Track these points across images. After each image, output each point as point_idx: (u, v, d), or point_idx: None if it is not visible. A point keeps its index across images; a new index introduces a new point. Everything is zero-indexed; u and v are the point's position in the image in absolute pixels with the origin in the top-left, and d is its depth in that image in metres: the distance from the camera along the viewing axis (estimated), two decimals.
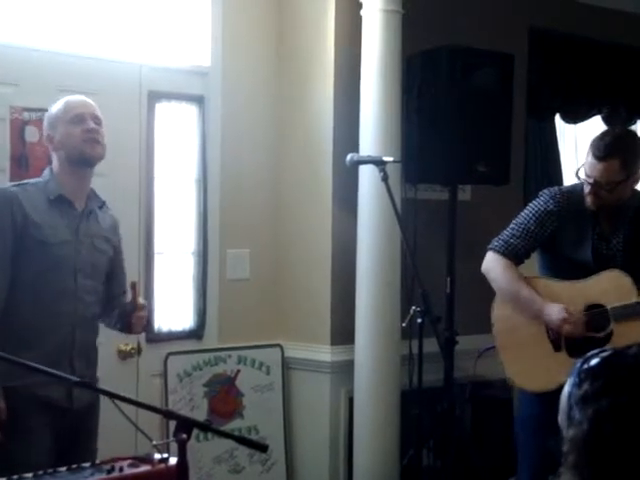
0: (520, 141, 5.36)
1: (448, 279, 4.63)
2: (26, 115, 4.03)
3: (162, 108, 4.52)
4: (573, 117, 6.03)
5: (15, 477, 2.36)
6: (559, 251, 3.67)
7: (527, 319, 3.62)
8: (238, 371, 4.68)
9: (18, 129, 4.02)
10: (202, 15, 4.64)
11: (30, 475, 2.38)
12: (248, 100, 4.78)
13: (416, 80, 4.63)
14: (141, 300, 3.37)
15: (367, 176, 4.36)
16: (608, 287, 3.56)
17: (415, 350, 3.99)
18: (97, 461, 2.53)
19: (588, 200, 3.57)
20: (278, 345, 4.81)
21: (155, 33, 4.48)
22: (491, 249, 3.69)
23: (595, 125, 6.29)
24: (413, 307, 3.73)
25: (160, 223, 4.52)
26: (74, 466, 2.46)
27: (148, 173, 4.47)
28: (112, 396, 2.55)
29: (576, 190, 3.64)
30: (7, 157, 4.00)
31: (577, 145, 6.28)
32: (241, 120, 4.74)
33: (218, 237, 4.67)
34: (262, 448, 2.52)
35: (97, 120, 3.32)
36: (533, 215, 3.66)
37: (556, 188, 3.74)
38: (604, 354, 1.61)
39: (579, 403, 1.58)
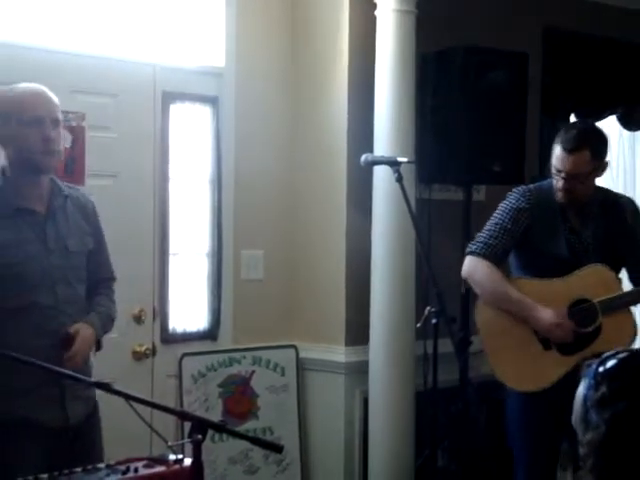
0: (534, 141, 5.34)
1: (463, 279, 4.62)
2: None
3: (176, 109, 4.53)
4: (588, 116, 5.99)
5: (31, 477, 2.36)
6: (534, 248, 3.71)
7: (514, 320, 3.64)
8: (253, 372, 4.68)
9: None
10: (216, 16, 4.64)
11: (46, 476, 2.38)
12: (262, 101, 4.78)
13: (430, 80, 4.62)
14: (67, 353, 2.99)
15: (381, 176, 4.36)
16: (592, 282, 3.61)
17: (430, 350, 3.98)
18: (112, 462, 2.52)
19: (559, 195, 3.64)
20: (293, 346, 4.81)
21: (169, 34, 4.49)
22: (470, 253, 3.72)
23: (610, 124, 6.28)
24: (428, 307, 3.72)
25: (175, 224, 4.53)
26: (89, 467, 2.45)
27: (163, 174, 4.47)
28: (127, 397, 2.54)
29: (544, 187, 3.72)
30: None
31: None
32: (255, 121, 4.74)
33: (232, 238, 4.67)
34: (277, 449, 2.51)
35: (56, 123, 3.02)
36: (507, 214, 3.71)
37: (524, 186, 3.81)
38: (620, 356, 1.60)
39: (596, 406, 1.56)
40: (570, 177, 3.57)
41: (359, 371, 4.59)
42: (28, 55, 4.00)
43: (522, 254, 3.76)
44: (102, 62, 4.22)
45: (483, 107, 4.54)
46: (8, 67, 3.94)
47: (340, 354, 4.66)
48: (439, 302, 3.61)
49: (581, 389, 1.61)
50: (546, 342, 3.63)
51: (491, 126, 4.55)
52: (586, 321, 3.59)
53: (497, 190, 4.95)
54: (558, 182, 3.61)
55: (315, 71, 4.78)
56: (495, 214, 3.75)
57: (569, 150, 3.55)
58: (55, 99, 3.08)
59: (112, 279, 3.37)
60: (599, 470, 1.53)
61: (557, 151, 3.59)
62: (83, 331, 3.05)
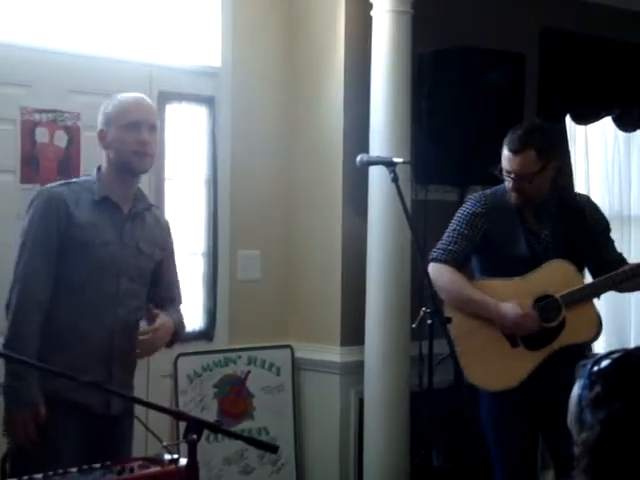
0: None
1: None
2: (37, 116, 4.03)
3: (172, 109, 4.53)
4: (584, 118, 6.01)
5: (25, 478, 2.36)
6: (495, 251, 3.76)
7: (479, 322, 3.69)
8: (248, 372, 4.68)
9: (29, 130, 4.03)
10: (212, 15, 4.64)
11: (40, 476, 2.38)
12: (258, 101, 4.78)
13: (427, 80, 4.63)
14: (151, 325, 3.21)
15: (377, 177, 4.36)
16: (553, 277, 3.67)
17: (425, 351, 3.98)
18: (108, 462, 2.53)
19: (512, 196, 3.69)
20: (288, 346, 4.81)
21: (165, 34, 4.49)
22: (432, 260, 3.76)
23: (606, 126, 6.28)
24: (423, 308, 3.72)
25: (170, 224, 4.51)
26: (85, 467, 2.46)
27: (158, 174, 4.47)
28: (123, 397, 2.56)
29: (498, 191, 3.78)
30: (18, 158, 4.01)
31: (588, 146, 6.27)
32: (251, 121, 4.74)
33: (228, 238, 4.67)
34: (272, 449, 2.52)
35: (152, 129, 3.24)
36: (464, 219, 3.77)
37: (480, 192, 3.88)
38: (615, 355, 1.60)
39: (591, 406, 1.57)
40: (518, 177, 3.62)
41: (354, 371, 4.59)
42: (24, 55, 4.00)
43: (484, 257, 3.82)
44: (98, 62, 4.22)
45: (479, 108, 4.55)
46: (4, 67, 3.94)
47: (335, 354, 4.67)
48: (434, 303, 3.61)
49: (576, 389, 1.61)
50: (513, 339, 3.67)
51: (487, 127, 4.55)
52: (550, 316, 3.64)
53: None
54: (508, 183, 3.67)
55: (311, 71, 4.79)
56: (453, 221, 3.81)
57: (514, 151, 3.61)
58: (154, 106, 3.35)
59: (179, 299, 3.48)
60: (593, 470, 1.53)
61: (504, 152, 3.65)
62: (165, 319, 3.23)
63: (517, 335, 3.67)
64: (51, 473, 2.40)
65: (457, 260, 3.74)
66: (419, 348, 4.29)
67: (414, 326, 3.86)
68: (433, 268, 3.72)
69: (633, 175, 6.63)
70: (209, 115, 4.67)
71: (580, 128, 6.17)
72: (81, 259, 3.12)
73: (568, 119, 5.93)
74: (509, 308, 3.62)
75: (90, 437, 3.12)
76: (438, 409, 3.99)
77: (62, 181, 3.29)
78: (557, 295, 3.64)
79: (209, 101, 4.66)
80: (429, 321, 3.71)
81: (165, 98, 4.48)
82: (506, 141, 3.66)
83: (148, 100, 3.33)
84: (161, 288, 3.39)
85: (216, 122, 4.66)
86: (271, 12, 4.81)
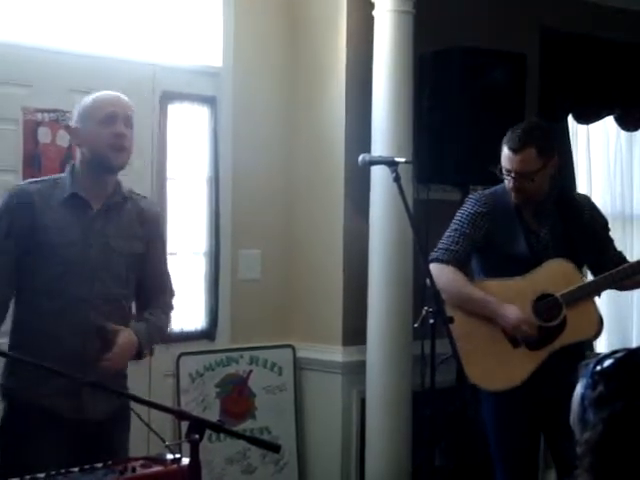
0: None
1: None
2: (39, 116, 4.04)
3: (174, 109, 4.53)
4: (586, 117, 6.01)
5: (28, 477, 2.36)
6: (495, 251, 3.77)
7: (480, 321, 3.69)
8: (250, 371, 4.69)
9: (31, 130, 4.03)
10: (214, 16, 4.64)
11: (42, 475, 2.38)
12: (260, 100, 4.78)
13: (428, 80, 4.63)
14: (107, 353, 3.01)
15: (379, 176, 4.36)
16: (553, 276, 3.67)
17: (427, 351, 3.98)
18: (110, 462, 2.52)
19: (513, 195, 3.70)
20: (290, 346, 4.81)
21: (168, 34, 4.49)
22: (433, 260, 3.76)
23: (608, 125, 6.28)
24: (425, 307, 3.72)
25: (172, 223, 4.53)
26: (87, 467, 2.46)
27: (160, 174, 4.47)
28: (125, 396, 2.55)
29: (498, 191, 3.79)
30: (20, 158, 4.01)
31: (589, 145, 6.27)
32: (253, 120, 4.74)
33: (230, 237, 4.67)
34: (274, 448, 2.52)
35: (128, 122, 3.13)
36: (465, 219, 3.77)
37: (480, 192, 3.88)
38: (618, 355, 1.61)
39: (593, 405, 1.57)
40: (519, 176, 3.62)
41: (356, 371, 4.59)
42: (27, 54, 4.00)
43: (484, 257, 3.83)
44: (100, 62, 4.22)
45: (481, 107, 4.55)
46: (7, 67, 3.95)
47: (337, 354, 4.67)
48: (436, 302, 3.61)
49: (579, 388, 1.62)
50: (514, 339, 3.68)
51: (488, 126, 4.54)
52: (551, 315, 3.64)
53: None
54: (509, 182, 3.67)
55: (313, 71, 4.79)
56: (453, 221, 3.81)
57: (514, 150, 3.62)
58: (129, 102, 3.20)
59: (170, 293, 3.36)
60: (596, 469, 1.53)
61: (504, 151, 3.66)
62: (125, 337, 3.05)
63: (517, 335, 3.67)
64: (53, 473, 2.40)
65: (458, 260, 3.74)
66: (421, 348, 4.28)
67: (416, 325, 3.86)
68: (434, 268, 3.72)
69: (635, 174, 6.63)
70: (211, 115, 4.67)
71: (582, 127, 6.17)
72: (48, 261, 3.02)
73: (570, 119, 5.94)
74: (510, 310, 3.62)
75: (71, 445, 2.99)
76: (440, 409, 3.99)
77: (35, 179, 3.21)
78: (557, 294, 3.64)
79: (211, 101, 4.66)
80: (431, 320, 3.71)
81: (167, 98, 4.49)
82: (505, 140, 3.67)
83: (122, 95, 3.21)
84: (146, 282, 3.25)
85: (218, 122, 4.66)
86: (273, 12, 4.81)
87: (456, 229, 3.78)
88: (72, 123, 3.17)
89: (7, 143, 3.97)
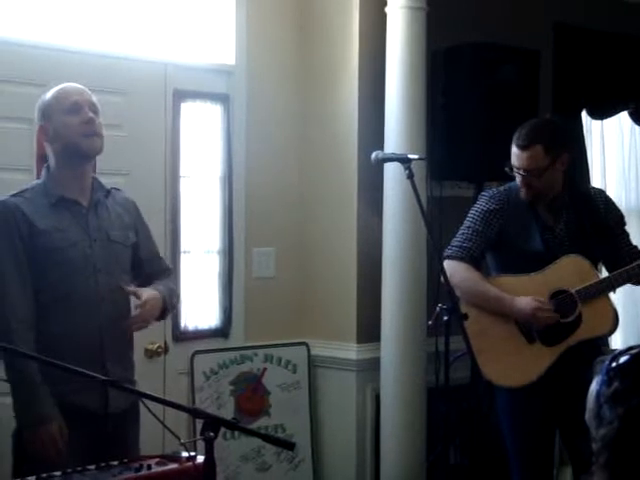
0: None
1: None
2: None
3: (187, 107, 4.53)
4: (600, 113, 5.98)
5: (44, 475, 2.38)
6: (510, 247, 3.77)
7: (496, 318, 3.70)
8: (264, 369, 4.69)
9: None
10: (227, 13, 4.64)
11: (59, 473, 2.39)
12: (273, 98, 4.78)
13: (441, 77, 4.62)
14: (138, 301, 3.15)
15: (392, 174, 4.36)
16: (568, 272, 3.67)
17: (441, 348, 3.97)
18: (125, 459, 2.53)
19: (522, 192, 3.70)
20: (304, 343, 4.81)
21: (180, 32, 4.49)
22: (447, 257, 3.77)
23: (622, 121, 6.26)
24: (439, 305, 3.72)
25: (186, 222, 4.53)
26: (103, 464, 2.47)
27: (174, 172, 4.48)
28: (140, 395, 2.55)
29: (511, 188, 3.79)
30: (33, 157, 4.02)
31: (604, 141, 6.24)
32: (266, 118, 4.74)
33: (244, 235, 4.67)
34: (289, 446, 2.52)
35: (94, 108, 3.13)
36: (478, 216, 3.78)
37: (493, 189, 3.89)
38: (633, 351, 1.60)
39: (609, 402, 1.56)
40: (526, 173, 3.63)
41: (371, 368, 4.59)
42: (40, 54, 4.01)
43: (499, 254, 3.83)
44: (113, 60, 4.22)
45: (494, 104, 4.54)
46: (20, 66, 3.96)
47: (352, 351, 4.67)
48: (451, 299, 3.61)
49: (594, 385, 1.61)
50: (529, 335, 3.68)
51: (502, 123, 4.53)
52: (566, 311, 3.64)
53: None
54: (518, 179, 3.68)
55: (325, 68, 4.78)
56: (467, 217, 3.82)
57: (522, 147, 3.63)
58: (85, 88, 3.20)
59: (168, 269, 3.46)
60: (613, 466, 1.53)
61: (513, 149, 3.67)
62: (147, 291, 3.15)
63: (534, 330, 3.66)
64: (70, 470, 2.41)
65: (472, 257, 3.75)
66: (435, 345, 4.28)
67: (430, 323, 3.86)
68: (448, 265, 3.72)
69: None
70: (224, 113, 4.67)
71: (596, 123, 6.15)
72: (54, 266, 3.04)
73: (584, 114, 5.91)
74: (524, 301, 3.62)
75: (95, 440, 3.04)
76: (455, 406, 3.99)
77: (13, 192, 3.14)
78: (572, 290, 3.64)
79: (224, 99, 4.66)
80: (445, 318, 3.71)
81: (180, 96, 4.49)
82: (514, 137, 3.68)
83: (78, 84, 3.23)
84: (144, 267, 3.32)
85: (231, 120, 4.66)
86: (285, 9, 4.81)
87: (469, 226, 3.78)
88: (38, 122, 3.17)
89: (20, 142, 3.98)
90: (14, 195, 3.11)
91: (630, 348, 1.61)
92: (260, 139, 4.71)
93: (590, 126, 6.12)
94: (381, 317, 4.51)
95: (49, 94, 3.15)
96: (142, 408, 2.47)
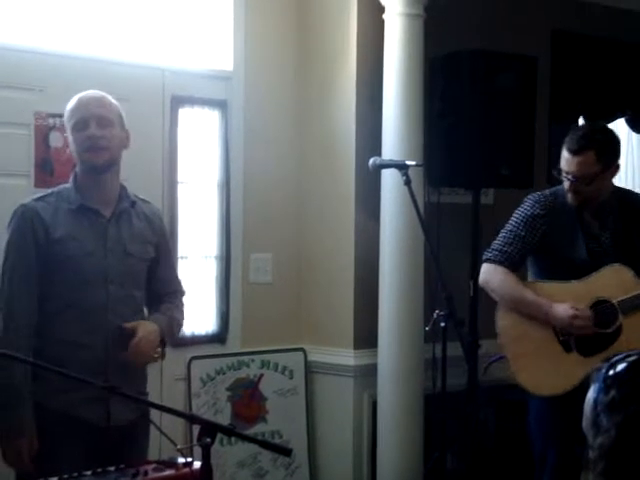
0: (543, 144, 5.34)
1: (471, 283, 4.61)
2: (51, 121, 4.05)
3: (185, 113, 4.54)
4: (597, 119, 5.99)
5: None
6: (553, 253, 3.69)
7: (534, 325, 3.62)
8: (261, 375, 4.69)
9: (43, 135, 4.05)
10: (224, 20, 4.65)
11: (55, 479, 2.38)
12: (270, 104, 4.79)
13: (439, 83, 4.63)
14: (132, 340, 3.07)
15: (390, 180, 4.36)
16: (611, 282, 3.58)
17: (439, 354, 3.98)
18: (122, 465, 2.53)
19: (569, 197, 3.62)
20: (301, 349, 4.81)
21: (178, 38, 4.50)
22: (486, 260, 3.71)
23: (618, 128, 6.27)
24: (437, 311, 3.72)
25: (183, 227, 4.54)
26: (99, 470, 2.46)
27: (171, 178, 4.48)
28: (136, 400, 2.56)
29: (558, 192, 3.70)
30: (32, 163, 4.02)
31: None
32: (263, 124, 4.75)
33: (241, 241, 4.68)
34: (286, 452, 2.51)
35: (103, 121, 3.10)
36: (521, 221, 3.69)
37: (539, 192, 3.78)
38: (630, 359, 1.60)
39: (606, 410, 1.56)
40: (576, 179, 3.55)
41: (368, 374, 4.59)
42: (39, 59, 4.02)
43: (540, 260, 3.74)
44: (111, 66, 4.23)
45: (492, 110, 4.54)
46: (18, 72, 3.96)
47: (349, 357, 4.66)
48: (448, 305, 3.61)
49: (591, 393, 1.61)
50: (567, 344, 3.59)
51: (499, 129, 4.55)
52: (607, 321, 3.55)
53: (506, 193, 4.98)
54: (565, 184, 3.61)
55: (323, 75, 4.79)
56: (510, 220, 3.73)
57: (573, 151, 3.54)
58: (105, 99, 3.17)
59: (181, 292, 3.40)
60: (610, 474, 1.53)
61: (564, 153, 3.59)
62: (145, 326, 3.11)
63: (571, 338, 3.58)
64: (66, 476, 2.41)
65: (512, 262, 3.66)
66: (432, 351, 4.28)
67: (427, 329, 3.86)
68: (487, 269, 3.67)
69: None
70: (222, 119, 4.68)
71: None
72: (67, 273, 3.03)
73: (581, 121, 5.92)
74: (562, 308, 3.53)
75: (94, 452, 3.00)
76: (452, 412, 3.99)
77: (38, 195, 3.16)
78: (614, 300, 3.55)
79: (221, 105, 4.67)
80: (442, 324, 3.71)
81: (178, 102, 4.50)
82: (566, 141, 3.58)
83: (95, 95, 3.17)
84: (158, 285, 3.28)
85: (228, 126, 4.67)
86: (283, 16, 4.82)
87: (511, 230, 3.70)
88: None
89: (19, 148, 3.99)
90: (37, 199, 3.12)
91: (627, 355, 1.61)
92: (258, 145, 4.72)
93: None
94: (378, 323, 4.51)
95: (68, 104, 3.17)
96: None
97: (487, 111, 4.53)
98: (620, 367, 1.59)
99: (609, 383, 1.58)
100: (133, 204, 3.21)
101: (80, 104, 3.13)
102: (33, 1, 4.04)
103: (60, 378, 2.85)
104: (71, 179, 3.17)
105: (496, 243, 3.72)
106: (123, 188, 3.22)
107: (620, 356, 1.62)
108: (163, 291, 3.32)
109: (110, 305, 3.08)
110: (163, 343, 3.22)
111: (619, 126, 6.26)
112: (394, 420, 4.46)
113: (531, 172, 4.72)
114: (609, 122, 6.03)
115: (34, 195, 3.18)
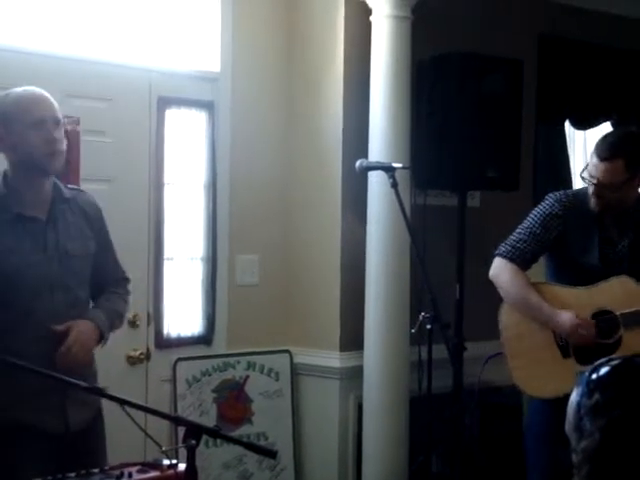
0: (530, 147, 5.36)
1: (457, 285, 4.63)
2: None
3: (172, 114, 4.53)
4: (583, 123, 6.02)
5: None
6: (567, 255, 3.65)
7: (536, 325, 3.60)
8: (247, 377, 4.68)
9: None
10: (212, 20, 4.64)
11: None
12: (257, 106, 4.78)
13: (426, 86, 4.63)
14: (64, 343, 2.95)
15: (376, 182, 4.37)
16: (617, 293, 3.54)
17: (424, 356, 3.98)
18: (106, 467, 2.52)
19: (592, 201, 3.56)
20: (287, 351, 4.81)
21: (165, 38, 4.49)
22: (498, 255, 3.67)
23: (605, 131, 6.29)
24: (422, 313, 3.72)
25: (169, 229, 4.53)
26: (83, 472, 2.46)
27: (158, 179, 4.47)
28: (121, 402, 2.54)
29: (580, 194, 3.65)
30: None
31: (587, 151, 6.27)
32: (250, 126, 4.74)
33: (227, 243, 4.67)
34: (271, 454, 2.51)
35: (57, 121, 2.98)
36: (539, 219, 3.64)
37: (562, 192, 3.73)
38: (613, 363, 1.60)
39: (590, 413, 1.56)
40: (600, 185, 3.50)
41: (353, 376, 4.59)
42: (23, 59, 4.00)
43: (554, 260, 3.71)
44: (97, 67, 4.22)
45: (478, 113, 4.55)
46: (3, 72, 3.94)
47: (335, 359, 4.67)
48: (433, 308, 3.61)
49: (574, 396, 1.61)
50: (565, 349, 3.57)
51: (486, 132, 4.56)
52: (607, 333, 3.53)
53: (492, 196, 5.00)
54: (590, 188, 3.55)
55: (310, 76, 4.79)
56: (528, 217, 3.68)
57: (602, 158, 3.47)
58: (54, 100, 3.05)
59: (124, 279, 3.32)
60: (595, 478, 1.53)
61: (593, 158, 3.52)
62: (78, 326, 2.99)
63: (571, 345, 3.56)
64: (50, 478, 2.40)
65: (524, 259, 3.63)
66: (418, 353, 4.29)
67: (413, 331, 3.87)
68: (498, 263, 3.65)
69: None
70: (208, 120, 4.67)
71: (579, 133, 6.18)
72: (10, 287, 2.91)
73: (567, 124, 5.95)
74: (565, 316, 3.51)
75: (52, 461, 2.91)
76: (437, 414, 4.00)
77: None
78: (617, 312, 3.51)
79: (208, 106, 4.66)
80: (428, 326, 3.71)
81: (164, 103, 4.49)
82: (596, 146, 3.53)
83: (45, 93, 3.04)
84: (100, 275, 3.17)
85: (215, 127, 4.66)
86: (270, 17, 4.82)
87: (527, 227, 3.65)
88: None
89: None
90: None
91: (610, 360, 1.61)
92: (245, 146, 4.72)
93: (573, 136, 6.15)
94: (364, 325, 4.52)
95: (10, 98, 2.98)
96: (117, 411, 2.42)
97: (474, 114, 4.54)
98: (603, 371, 1.60)
99: (592, 387, 1.58)
100: (68, 201, 3.08)
101: (37, 100, 2.99)
102: (20, 1, 4.02)
103: (19, 392, 2.82)
104: (1, 184, 2.99)
105: (511, 238, 3.67)
106: (56, 185, 3.07)
107: (603, 360, 1.62)
108: (105, 281, 3.22)
109: (59, 312, 2.98)
110: (102, 338, 3.10)
111: (605, 130, 6.28)
112: (379, 422, 4.47)
113: (517, 175, 4.73)
114: (594, 126, 6.06)
115: None
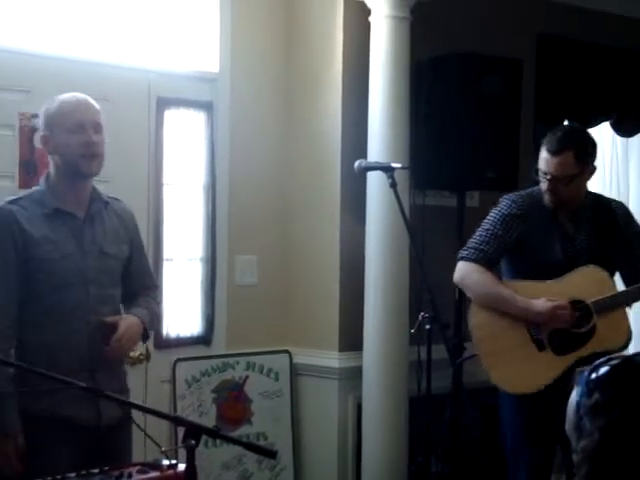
0: (529, 147, 5.35)
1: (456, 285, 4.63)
2: (35, 122, 4.03)
3: (171, 115, 4.53)
4: (582, 123, 6.00)
5: None
6: (528, 254, 3.71)
7: (507, 323, 3.64)
8: (247, 377, 4.68)
9: (27, 136, 4.03)
10: (210, 21, 4.65)
11: None
12: (256, 106, 4.78)
13: (425, 86, 4.64)
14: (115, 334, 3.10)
15: (375, 182, 4.37)
16: (586, 282, 3.63)
17: (424, 356, 3.98)
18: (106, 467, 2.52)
19: (546, 198, 3.65)
20: (286, 351, 4.81)
21: (164, 39, 4.49)
22: (462, 258, 3.72)
23: (604, 131, 6.29)
24: (422, 313, 3.73)
25: (169, 229, 4.53)
26: (83, 472, 2.46)
27: (157, 179, 4.47)
28: (121, 402, 2.55)
29: (534, 193, 3.73)
30: (16, 163, 4.01)
31: None
32: (249, 126, 4.74)
33: (226, 243, 4.67)
34: (271, 454, 2.51)
35: (98, 127, 3.14)
36: (498, 220, 3.71)
37: (515, 193, 3.81)
38: (612, 362, 1.60)
39: (589, 413, 1.56)
40: (554, 179, 3.59)
41: (353, 377, 4.59)
42: (24, 60, 4.00)
43: (515, 260, 3.76)
44: (97, 68, 4.22)
45: (477, 113, 4.56)
46: (3, 72, 3.95)
47: (334, 359, 4.67)
48: (433, 308, 3.61)
49: (574, 396, 1.61)
50: (540, 343, 3.62)
51: (485, 132, 4.57)
52: (581, 322, 3.59)
53: (491, 196, 4.98)
54: (544, 184, 3.63)
55: (309, 77, 4.79)
56: (486, 220, 3.75)
57: (553, 152, 3.58)
58: (96, 105, 3.19)
59: (154, 286, 3.47)
60: (594, 477, 1.53)
61: (542, 153, 3.62)
62: (126, 320, 3.15)
63: (544, 337, 3.60)
64: (49, 478, 2.40)
65: (488, 260, 3.68)
66: (417, 353, 4.29)
67: (413, 331, 3.87)
68: (462, 267, 3.68)
69: (631, 180, 6.64)
70: (207, 121, 4.67)
71: None
72: (44, 276, 3.04)
73: (566, 124, 5.94)
74: (540, 301, 3.56)
75: (84, 453, 3.01)
76: (436, 414, 4.00)
77: (10, 198, 3.14)
78: (589, 301, 3.58)
79: (207, 107, 4.67)
80: (427, 326, 3.72)
81: (163, 104, 4.49)
82: (545, 142, 3.62)
83: (88, 98, 3.20)
84: (132, 281, 3.31)
85: (214, 128, 4.66)
86: (269, 18, 4.82)
87: (488, 229, 3.71)
88: (40, 130, 3.18)
89: (4, 149, 3.98)
90: (10, 202, 3.11)
91: (610, 359, 1.62)
92: (244, 147, 4.72)
93: None
94: (363, 325, 4.52)
95: (55, 104, 3.14)
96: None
97: (473, 114, 4.55)
98: (602, 370, 1.60)
99: (592, 387, 1.58)
100: (106, 204, 3.23)
101: (77, 106, 3.13)
102: (19, 2, 4.03)
103: (45, 380, 2.83)
104: (43, 182, 3.17)
105: (472, 242, 3.73)
106: (94, 189, 3.22)
107: (602, 359, 1.62)
108: (138, 287, 3.35)
109: (91, 305, 3.10)
110: (145, 336, 3.27)
111: (603, 130, 6.29)
112: (379, 422, 4.47)
113: (516, 175, 4.73)
114: (594, 125, 6.06)
115: (6, 198, 3.16)
